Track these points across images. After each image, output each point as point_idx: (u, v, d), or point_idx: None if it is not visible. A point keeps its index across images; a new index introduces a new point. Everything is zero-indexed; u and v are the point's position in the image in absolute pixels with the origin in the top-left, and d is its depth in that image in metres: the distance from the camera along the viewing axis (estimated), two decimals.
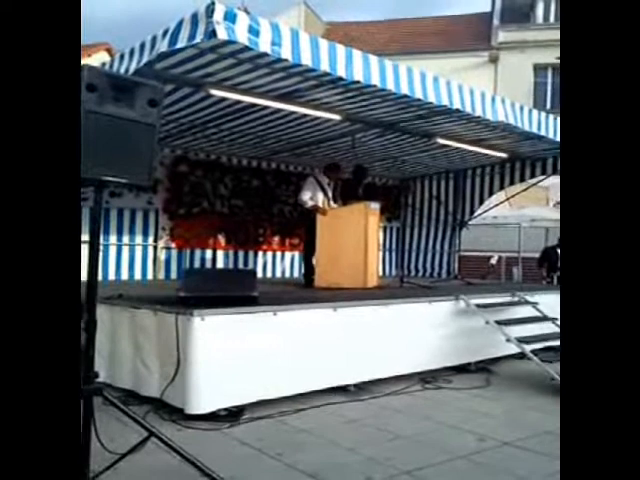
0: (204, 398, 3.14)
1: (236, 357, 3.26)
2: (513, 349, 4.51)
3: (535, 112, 5.03)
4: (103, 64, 3.69)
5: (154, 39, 3.16)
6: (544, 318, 4.94)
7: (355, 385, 3.86)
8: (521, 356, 4.60)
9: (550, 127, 5.08)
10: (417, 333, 4.32)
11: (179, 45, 2.97)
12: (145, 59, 3.20)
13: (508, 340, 4.35)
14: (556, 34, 19.77)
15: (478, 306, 4.69)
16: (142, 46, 3.25)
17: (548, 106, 19.06)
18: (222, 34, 2.79)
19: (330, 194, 6.07)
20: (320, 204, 5.89)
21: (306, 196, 5.92)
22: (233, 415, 3.21)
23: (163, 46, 3.04)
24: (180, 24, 2.95)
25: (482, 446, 2.89)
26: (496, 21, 21.11)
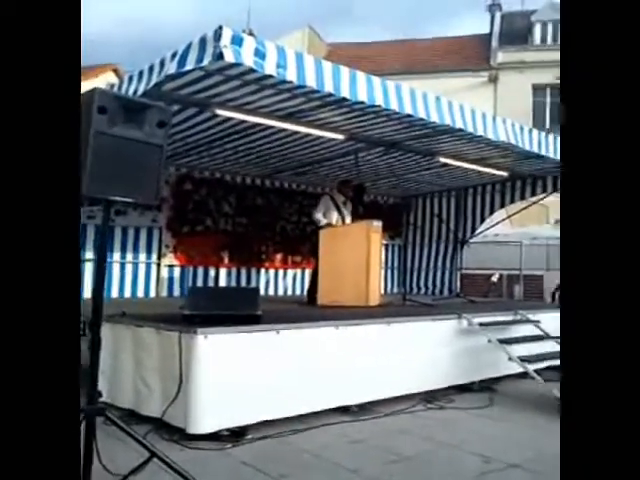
0: (206, 418, 3.12)
1: (239, 376, 3.25)
2: (516, 368, 4.50)
3: (535, 131, 5.08)
4: (112, 85, 3.75)
5: (162, 62, 3.22)
6: (546, 337, 4.93)
7: (358, 405, 3.84)
8: (524, 375, 4.58)
9: (550, 146, 5.13)
10: (420, 352, 4.31)
11: (187, 67, 3.03)
12: (153, 81, 3.25)
13: (510, 359, 4.34)
14: (553, 55, 20.07)
15: (481, 324, 4.68)
16: (151, 68, 3.31)
17: (547, 125, 19.23)
18: (229, 57, 2.85)
19: (345, 212, 6.12)
20: (334, 222, 5.94)
21: (319, 214, 5.99)
22: (236, 435, 3.19)
23: (171, 68, 3.10)
24: (188, 47, 3.02)
25: (487, 467, 2.87)
26: (495, 42, 21.44)
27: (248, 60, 2.96)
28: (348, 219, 6.13)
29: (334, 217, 6.00)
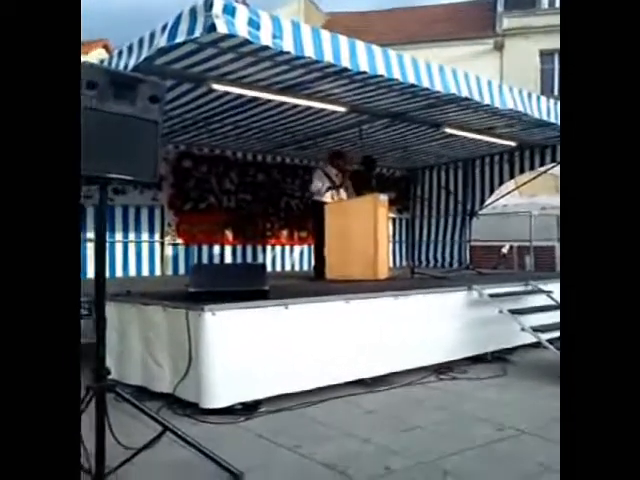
0: (218, 393, 3.13)
1: (249, 351, 3.25)
2: (529, 338, 4.46)
3: (543, 99, 4.96)
4: (102, 61, 3.68)
5: (152, 35, 3.13)
6: (559, 306, 4.88)
7: (371, 378, 3.83)
8: (537, 345, 4.54)
9: (559, 114, 5.00)
10: (431, 324, 4.28)
11: (178, 40, 2.95)
12: (144, 55, 3.18)
13: (523, 329, 4.31)
14: None
15: (491, 296, 4.64)
16: (141, 42, 3.23)
17: (556, 92, 18.82)
18: (222, 28, 2.77)
19: (339, 186, 6.02)
20: (328, 197, 5.87)
21: (317, 187, 5.89)
22: (249, 409, 3.20)
23: (162, 41, 3.02)
24: (179, 18, 2.93)
25: (500, 435, 2.86)
26: (500, 8, 20.85)
27: (242, 31, 2.88)
28: (343, 193, 6.03)
29: (327, 191, 5.90)
